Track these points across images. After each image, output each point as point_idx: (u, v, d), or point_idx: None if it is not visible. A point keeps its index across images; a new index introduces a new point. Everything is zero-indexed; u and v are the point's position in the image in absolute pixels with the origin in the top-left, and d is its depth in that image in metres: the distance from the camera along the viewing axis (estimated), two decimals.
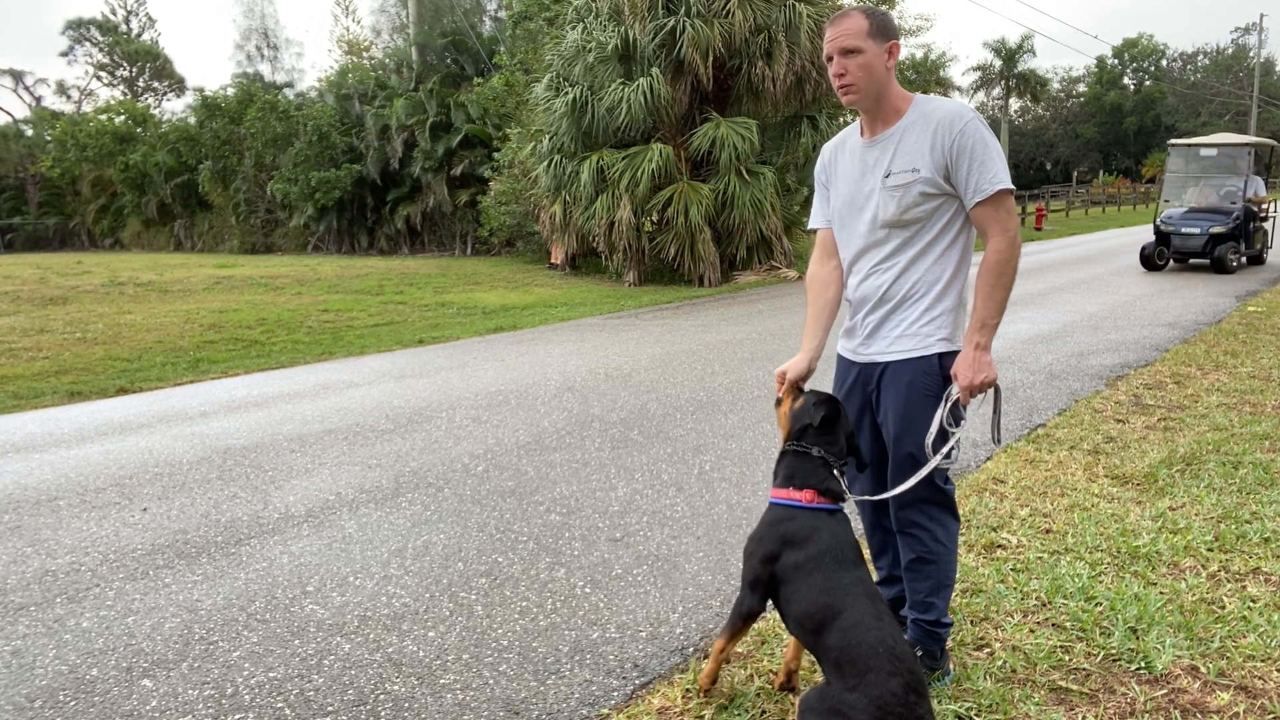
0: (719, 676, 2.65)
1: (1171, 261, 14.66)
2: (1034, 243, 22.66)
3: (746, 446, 5.34)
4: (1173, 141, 15.74)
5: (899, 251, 2.50)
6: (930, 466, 2.43)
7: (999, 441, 2.66)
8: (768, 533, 2.40)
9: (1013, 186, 2.39)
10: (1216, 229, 13.81)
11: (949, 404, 2.44)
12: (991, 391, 2.49)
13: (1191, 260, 14.46)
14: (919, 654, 2.62)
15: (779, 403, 2.62)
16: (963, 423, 2.49)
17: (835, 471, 2.42)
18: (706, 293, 14.34)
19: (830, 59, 2.45)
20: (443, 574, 3.66)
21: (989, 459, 4.84)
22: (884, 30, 2.40)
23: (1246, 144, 15.01)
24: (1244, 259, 14.56)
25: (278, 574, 3.71)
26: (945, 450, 2.44)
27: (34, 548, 4.10)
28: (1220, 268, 13.79)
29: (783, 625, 2.70)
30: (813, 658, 2.69)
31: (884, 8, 28.92)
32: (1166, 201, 15.28)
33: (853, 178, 2.57)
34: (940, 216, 2.45)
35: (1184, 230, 14.13)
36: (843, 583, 2.21)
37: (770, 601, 2.43)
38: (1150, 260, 14.42)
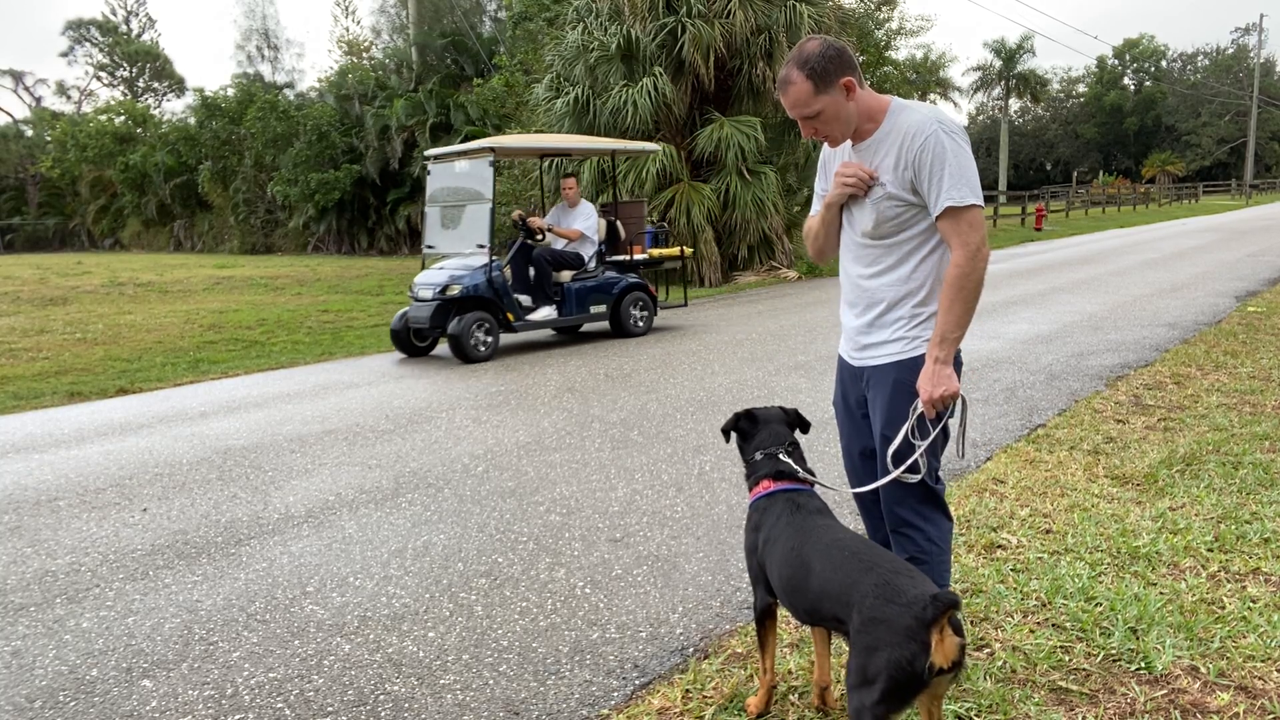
0: (769, 699, 2.59)
1: (434, 342, 9.26)
2: (1034, 243, 22.68)
3: None
4: (429, 153, 10.00)
5: (882, 258, 2.53)
6: (889, 479, 2.46)
7: (963, 455, 2.66)
8: (747, 528, 2.56)
9: (971, 202, 2.34)
10: (453, 289, 8.61)
11: (915, 416, 2.46)
12: (959, 404, 2.48)
13: (434, 338, 9.13)
14: None
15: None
16: (930, 435, 2.49)
17: (780, 456, 2.54)
18: (707, 293, 14.33)
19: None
20: (443, 574, 3.65)
21: (989, 459, 4.84)
22: (828, 76, 2.36)
23: (493, 149, 9.11)
24: (544, 329, 9.62)
25: (278, 574, 3.71)
26: (907, 464, 2.45)
27: (34, 548, 4.10)
28: (460, 353, 8.50)
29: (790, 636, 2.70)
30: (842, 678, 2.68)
31: (883, 9, 28.97)
32: (430, 248, 9.71)
33: None
34: (917, 224, 2.47)
35: (419, 294, 8.87)
36: (802, 534, 2.31)
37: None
38: (402, 339, 9.00)
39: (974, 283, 2.36)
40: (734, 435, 2.68)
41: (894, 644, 1.88)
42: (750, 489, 2.57)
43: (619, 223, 10.31)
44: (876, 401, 2.58)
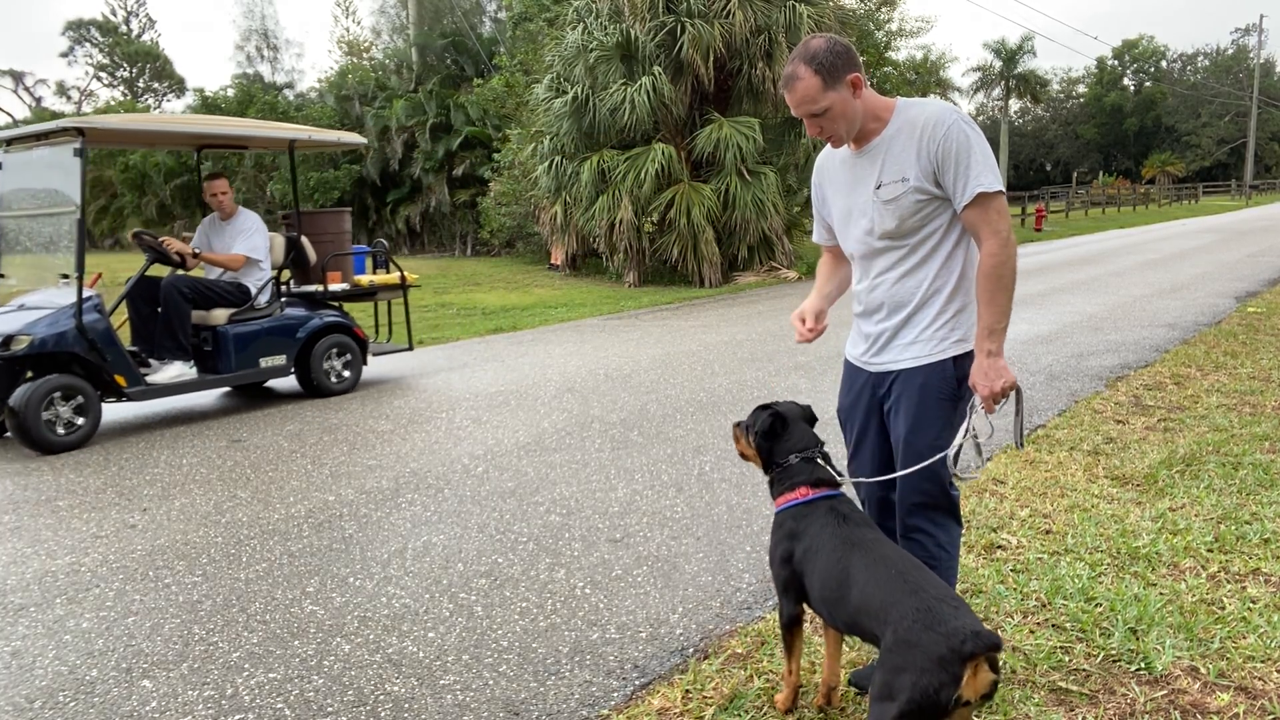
0: (795, 697, 2.60)
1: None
2: (1034, 243, 22.68)
3: None
4: None
5: (903, 260, 2.47)
6: (970, 478, 2.42)
7: (1022, 445, 2.64)
8: (777, 535, 2.47)
9: (999, 188, 2.34)
10: (19, 342, 5.71)
11: (973, 415, 2.42)
12: (1014, 395, 2.46)
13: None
14: None
15: (740, 445, 2.65)
16: (983, 432, 2.47)
17: (818, 461, 2.46)
18: (707, 293, 14.34)
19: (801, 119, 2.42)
20: (442, 575, 3.65)
21: (989, 460, 4.84)
22: (836, 71, 2.32)
23: (81, 130, 5.97)
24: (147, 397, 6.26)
25: (278, 574, 3.71)
26: (979, 467, 2.44)
27: (34, 548, 4.10)
28: (25, 437, 5.61)
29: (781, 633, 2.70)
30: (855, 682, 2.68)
31: (883, 10, 28.97)
32: None
33: (846, 188, 2.55)
34: (940, 220, 2.42)
35: None
36: (849, 546, 2.25)
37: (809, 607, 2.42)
38: None
39: (1010, 270, 2.34)
40: (756, 434, 2.55)
41: (923, 669, 1.88)
42: (780, 494, 2.47)
43: (305, 240, 7.51)
44: (902, 406, 2.52)
